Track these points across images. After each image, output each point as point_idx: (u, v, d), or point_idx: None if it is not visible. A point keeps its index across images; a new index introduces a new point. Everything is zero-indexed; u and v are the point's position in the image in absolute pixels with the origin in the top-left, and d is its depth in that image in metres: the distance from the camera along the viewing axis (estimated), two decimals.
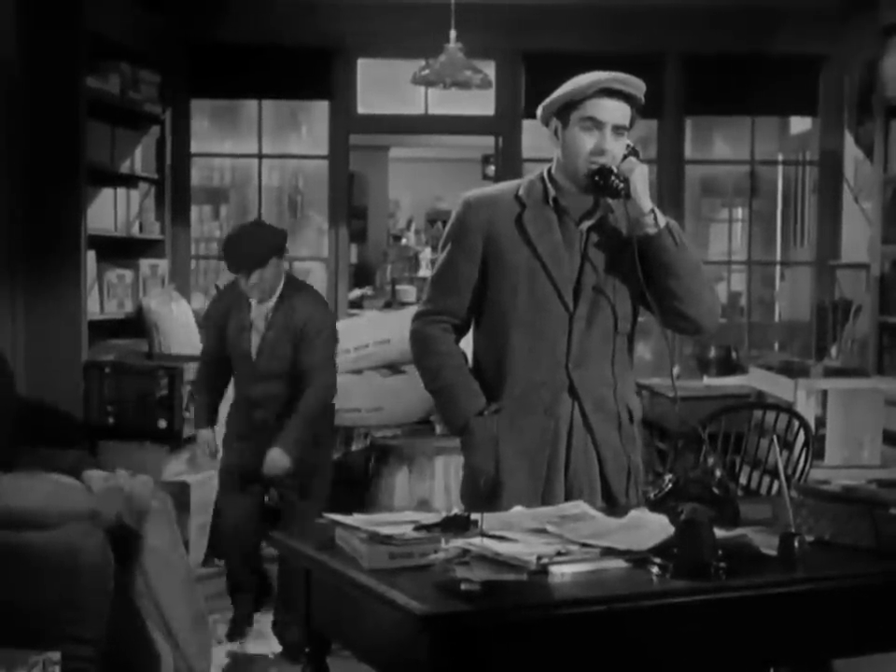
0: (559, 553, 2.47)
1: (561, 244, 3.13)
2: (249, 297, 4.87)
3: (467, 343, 3.32)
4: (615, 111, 3.04)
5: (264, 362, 4.88)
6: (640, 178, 3.03)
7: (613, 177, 3.02)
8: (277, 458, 4.75)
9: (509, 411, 3.16)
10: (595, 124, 3.04)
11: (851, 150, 7.21)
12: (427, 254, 11.72)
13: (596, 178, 3.03)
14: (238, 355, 4.94)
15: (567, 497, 3.12)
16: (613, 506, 3.11)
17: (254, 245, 4.78)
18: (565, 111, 3.07)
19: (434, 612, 2.22)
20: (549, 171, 3.18)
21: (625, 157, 3.05)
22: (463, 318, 3.24)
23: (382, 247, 12.28)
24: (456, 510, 2.74)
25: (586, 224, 3.16)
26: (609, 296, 3.15)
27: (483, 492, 3.13)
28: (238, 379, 5.03)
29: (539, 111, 3.14)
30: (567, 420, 3.15)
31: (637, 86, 3.06)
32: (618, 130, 3.06)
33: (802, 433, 4.56)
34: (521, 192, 3.18)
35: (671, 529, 2.52)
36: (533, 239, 3.13)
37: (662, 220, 3.07)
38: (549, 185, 3.16)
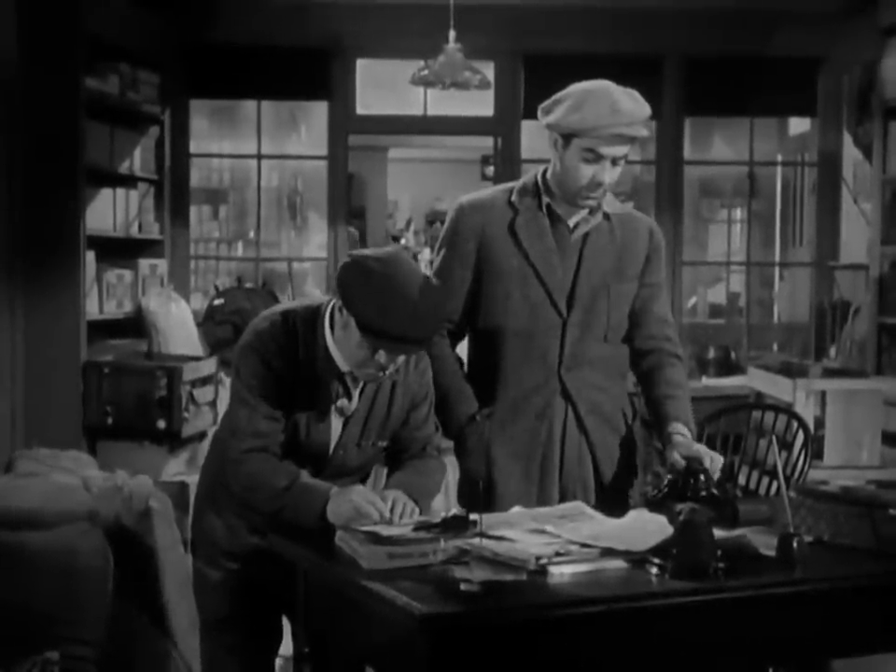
0: (558, 554, 2.48)
1: (554, 250, 3.13)
2: (355, 376, 2.85)
3: (462, 348, 3.32)
4: (618, 147, 3.02)
5: (349, 458, 2.97)
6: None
7: (702, 481, 2.86)
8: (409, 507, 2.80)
9: (501, 415, 3.16)
10: (596, 157, 3.01)
11: (850, 151, 7.21)
12: (426, 254, 11.71)
13: (689, 480, 2.86)
14: (297, 450, 2.90)
15: (562, 500, 3.12)
16: (609, 508, 3.12)
17: (441, 303, 2.82)
18: (568, 133, 3.03)
19: (433, 613, 2.22)
20: (543, 174, 3.16)
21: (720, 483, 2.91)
22: (458, 323, 3.24)
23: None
24: (455, 510, 2.75)
25: (581, 231, 3.16)
26: (605, 303, 3.15)
27: (478, 496, 3.13)
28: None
29: (541, 116, 3.10)
30: (560, 423, 3.16)
31: (645, 119, 3.03)
32: (617, 161, 3.04)
33: (801, 434, 4.56)
34: (514, 197, 3.17)
35: (670, 530, 2.52)
36: (525, 245, 3.13)
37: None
38: (542, 190, 3.15)
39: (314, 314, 2.86)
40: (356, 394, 2.88)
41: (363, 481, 3.07)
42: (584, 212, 3.14)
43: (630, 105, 3.00)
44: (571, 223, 3.15)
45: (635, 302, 3.23)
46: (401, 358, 2.80)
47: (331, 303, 2.84)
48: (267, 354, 2.82)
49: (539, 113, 3.11)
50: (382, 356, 2.73)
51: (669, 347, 3.24)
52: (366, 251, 2.82)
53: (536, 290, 3.12)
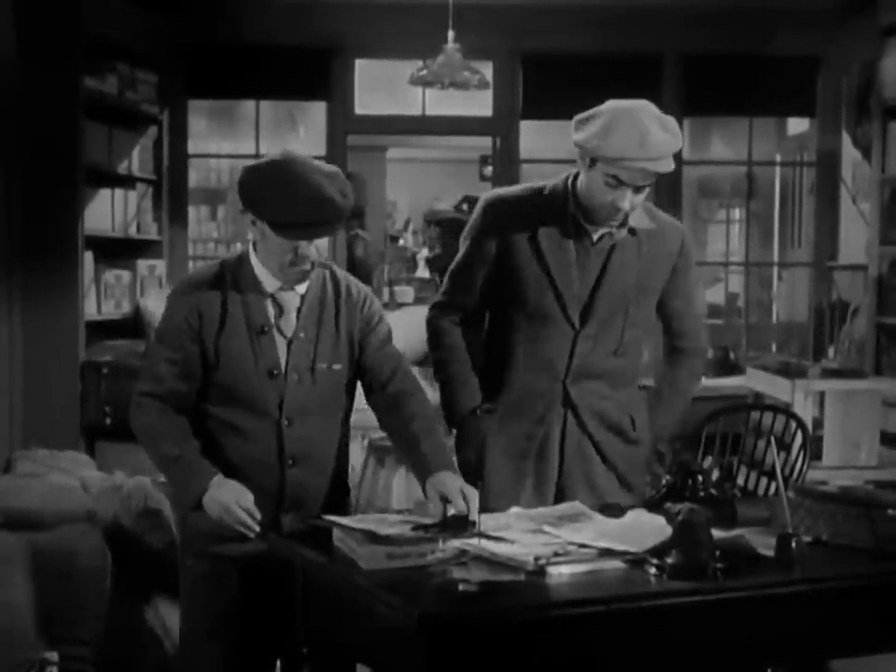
0: (556, 554, 2.47)
1: (573, 261, 3.10)
2: (288, 280, 2.91)
3: None
4: (640, 178, 2.99)
5: (305, 389, 2.95)
6: None
7: (700, 481, 2.91)
8: (451, 481, 2.80)
9: (500, 413, 3.18)
10: (618, 183, 2.97)
11: (849, 151, 7.21)
12: (424, 254, 11.71)
13: (688, 481, 2.91)
14: (249, 376, 2.92)
15: (563, 499, 3.12)
16: (609, 511, 3.11)
17: (346, 189, 2.86)
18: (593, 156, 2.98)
19: (431, 613, 2.22)
20: (574, 180, 3.11)
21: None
22: (476, 313, 3.26)
23: (379, 248, 12.29)
24: (454, 510, 2.74)
25: (604, 244, 3.12)
26: (621, 319, 3.14)
27: (478, 490, 3.13)
28: (243, 424, 2.95)
29: (573, 129, 3.02)
30: (559, 426, 3.15)
31: (675, 151, 2.99)
32: (640, 189, 3.02)
33: (799, 434, 4.55)
34: (541, 201, 3.13)
35: (668, 530, 2.52)
36: (545, 254, 3.10)
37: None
38: (570, 198, 3.10)
39: (240, 254, 2.98)
40: (292, 314, 2.94)
41: (340, 462, 3.03)
42: (609, 224, 3.08)
43: (660, 137, 2.93)
44: (595, 236, 3.10)
45: (665, 310, 3.28)
46: (324, 247, 2.88)
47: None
48: (176, 306, 2.95)
49: (572, 125, 3.03)
50: (302, 246, 2.83)
51: (688, 344, 3.38)
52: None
53: (550, 302, 3.11)
